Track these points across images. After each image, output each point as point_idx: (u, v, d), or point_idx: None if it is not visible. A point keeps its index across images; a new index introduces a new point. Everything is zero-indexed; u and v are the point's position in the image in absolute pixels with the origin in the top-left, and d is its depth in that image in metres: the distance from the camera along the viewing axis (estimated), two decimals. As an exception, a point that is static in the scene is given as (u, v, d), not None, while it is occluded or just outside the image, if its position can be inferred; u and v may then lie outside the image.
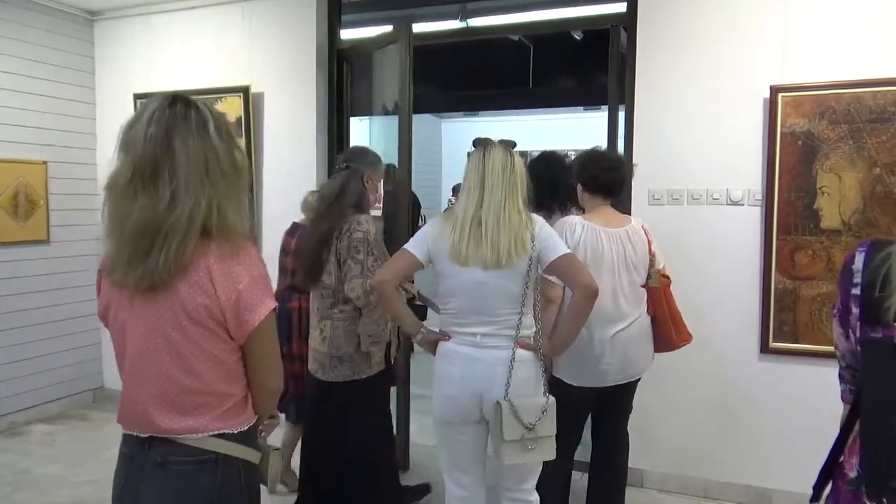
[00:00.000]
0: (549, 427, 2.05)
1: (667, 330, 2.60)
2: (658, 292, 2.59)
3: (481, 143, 2.13)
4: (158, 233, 1.26)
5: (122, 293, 1.34)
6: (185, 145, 1.29)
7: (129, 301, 1.34)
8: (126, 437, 1.41)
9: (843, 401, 1.49)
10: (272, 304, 1.36)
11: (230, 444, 1.37)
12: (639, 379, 2.67)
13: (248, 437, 1.42)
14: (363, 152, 2.72)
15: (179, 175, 1.28)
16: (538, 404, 2.03)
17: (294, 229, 3.30)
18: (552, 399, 2.07)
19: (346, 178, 2.56)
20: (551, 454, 2.08)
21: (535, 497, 2.23)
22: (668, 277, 2.67)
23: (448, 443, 2.20)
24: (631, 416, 2.81)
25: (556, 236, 2.12)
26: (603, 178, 2.57)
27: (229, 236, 1.32)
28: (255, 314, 1.32)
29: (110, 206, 1.32)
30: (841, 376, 1.48)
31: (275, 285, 3.17)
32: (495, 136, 2.18)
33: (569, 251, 2.10)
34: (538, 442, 2.03)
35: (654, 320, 2.62)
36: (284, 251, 3.30)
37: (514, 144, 2.16)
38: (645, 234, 2.59)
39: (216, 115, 1.37)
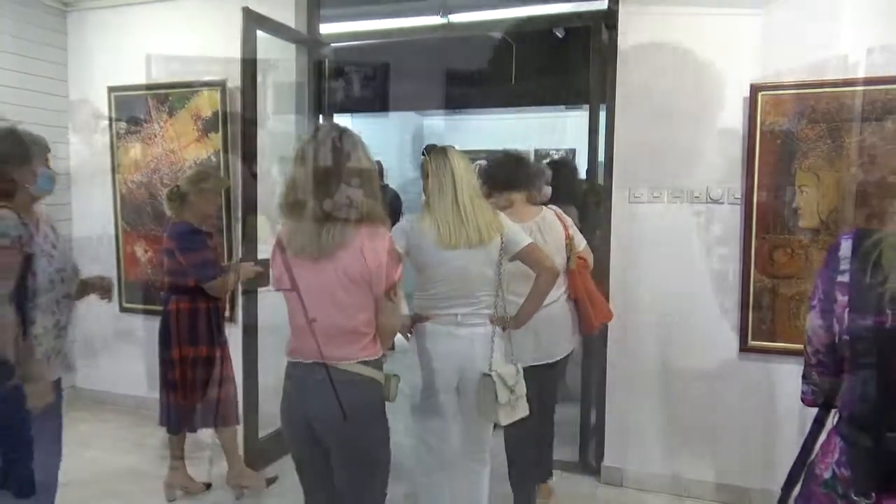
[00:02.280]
0: (523, 387, 2.39)
1: (586, 311, 2.74)
2: (574, 275, 2.72)
3: (437, 148, 2.39)
4: (327, 220, 1.83)
5: (295, 261, 1.88)
6: (349, 161, 1.86)
7: (302, 267, 1.88)
8: (295, 364, 1.95)
9: (803, 402, 1.45)
10: (399, 271, 1.93)
11: (370, 369, 1.91)
12: (559, 363, 2.74)
13: (379, 364, 1.96)
14: None
15: (343, 182, 1.84)
16: (512, 370, 2.37)
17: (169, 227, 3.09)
18: (520, 365, 2.41)
19: None
20: (527, 409, 2.41)
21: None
22: (584, 259, 2.78)
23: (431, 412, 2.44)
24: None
25: (517, 227, 2.41)
26: (500, 176, 2.75)
27: (374, 221, 1.88)
28: (391, 277, 1.88)
29: (293, 198, 1.87)
30: (805, 376, 1.43)
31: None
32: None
33: (531, 240, 2.39)
34: (518, 400, 2.37)
35: (575, 303, 2.73)
36: (166, 250, 3.04)
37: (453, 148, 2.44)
38: (560, 220, 2.72)
39: (361, 140, 1.92)
